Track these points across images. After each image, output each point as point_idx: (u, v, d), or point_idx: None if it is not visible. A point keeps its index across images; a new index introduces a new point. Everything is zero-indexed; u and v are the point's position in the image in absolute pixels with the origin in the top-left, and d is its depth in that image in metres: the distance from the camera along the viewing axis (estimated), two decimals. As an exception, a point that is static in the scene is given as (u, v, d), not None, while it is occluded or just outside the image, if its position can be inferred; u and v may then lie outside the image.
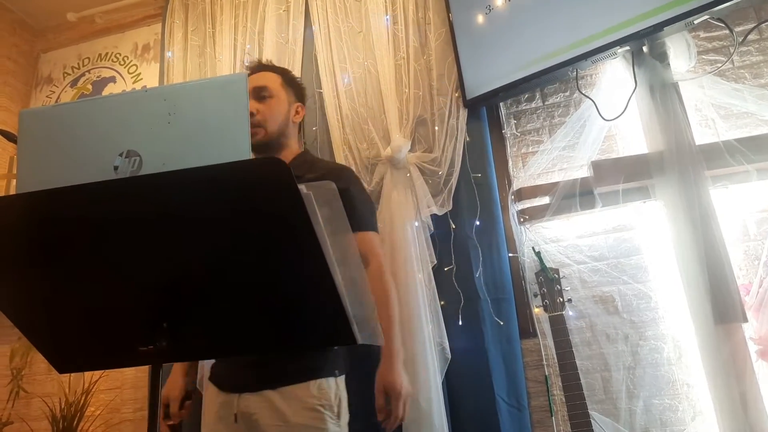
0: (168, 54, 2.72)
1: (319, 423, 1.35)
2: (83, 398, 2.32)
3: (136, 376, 2.43)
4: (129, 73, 2.92)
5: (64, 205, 0.78)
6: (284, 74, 1.67)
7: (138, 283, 0.85)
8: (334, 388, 1.41)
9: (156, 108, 0.87)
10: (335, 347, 1.45)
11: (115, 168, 0.85)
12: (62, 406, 2.30)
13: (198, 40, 2.69)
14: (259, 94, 1.59)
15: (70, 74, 3.03)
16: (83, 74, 3.00)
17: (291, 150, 1.64)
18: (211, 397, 1.47)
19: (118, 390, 2.44)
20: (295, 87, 1.68)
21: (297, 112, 1.66)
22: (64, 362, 0.99)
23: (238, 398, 1.39)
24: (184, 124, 0.85)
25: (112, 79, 2.93)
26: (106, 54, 3.00)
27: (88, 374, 2.39)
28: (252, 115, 1.52)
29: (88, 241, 0.81)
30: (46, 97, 3.02)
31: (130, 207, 0.77)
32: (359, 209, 1.53)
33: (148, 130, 0.85)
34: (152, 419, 0.92)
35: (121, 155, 0.85)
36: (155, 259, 0.82)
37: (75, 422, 2.27)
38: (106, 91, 2.91)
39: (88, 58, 3.03)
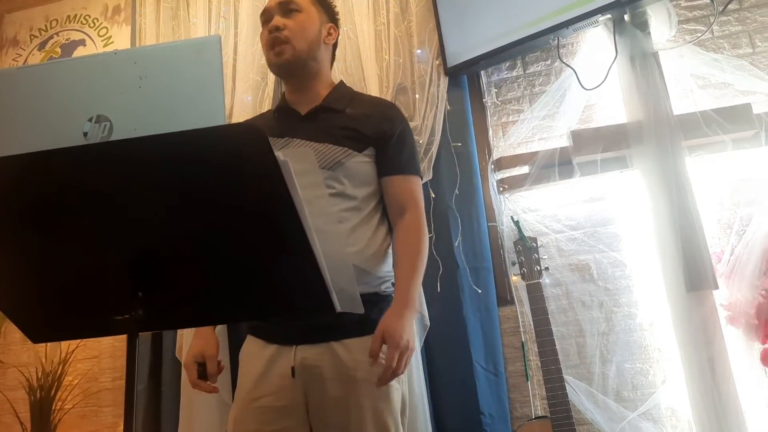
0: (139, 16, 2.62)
1: None
2: (60, 368, 2.30)
3: (114, 345, 2.41)
4: (99, 36, 2.81)
5: (32, 171, 0.75)
6: None
7: (112, 252, 0.83)
8: None
9: (126, 71, 0.84)
10: (392, 297, 1.36)
11: (85, 134, 0.82)
12: (39, 376, 2.28)
13: (171, 2, 2.59)
14: (286, 7, 1.41)
15: (37, 36, 2.91)
16: (51, 37, 2.88)
17: (324, 79, 1.48)
18: (254, 351, 1.34)
19: (96, 359, 2.42)
20: (326, 6, 1.51)
21: (330, 33, 1.48)
22: (37, 332, 0.97)
23: (295, 350, 1.28)
24: (156, 88, 0.82)
25: (82, 42, 2.82)
26: (75, 16, 2.88)
27: (65, 344, 2.37)
28: (278, 29, 1.37)
29: (58, 209, 0.79)
30: (13, 60, 2.90)
31: (101, 174, 0.74)
32: (406, 152, 1.42)
33: (119, 95, 0.82)
34: (130, 388, 0.92)
35: (90, 120, 0.83)
36: (128, 227, 0.80)
37: (52, 392, 2.26)
38: (75, 55, 2.80)
39: (56, 19, 2.91)
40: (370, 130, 1.39)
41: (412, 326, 1.29)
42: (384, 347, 1.23)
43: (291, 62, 1.40)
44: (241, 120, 2.17)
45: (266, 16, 1.45)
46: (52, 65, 0.89)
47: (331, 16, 1.52)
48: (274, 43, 1.39)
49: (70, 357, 2.33)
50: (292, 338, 1.29)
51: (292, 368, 1.27)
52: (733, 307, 1.83)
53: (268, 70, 2.31)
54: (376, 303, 1.33)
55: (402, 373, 1.24)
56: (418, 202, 1.42)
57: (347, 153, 1.35)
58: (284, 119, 1.46)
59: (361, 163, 1.38)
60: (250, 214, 0.77)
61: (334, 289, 0.86)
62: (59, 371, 2.29)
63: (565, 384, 1.75)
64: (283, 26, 1.39)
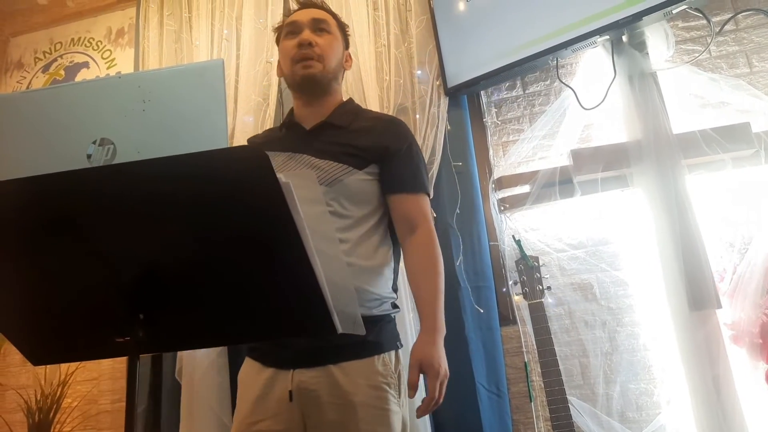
0: (143, 39, 2.66)
1: (382, 403, 1.25)
2: (59, 390, 2.28)
3: (114, 367, 2.40)
4: (103, 58, 2.85)
5: (36, 195, 0.75)
6: (337, 18, 1.54)
7: (113, 274, 0.83)
8: (395, 362, 1.33)
9: (130, 95, 0.85)
10: (391, 318, 1.38)
11: (89, 156, 0.83)
12: (38, 398, 2.26)
13: (174, 25, 2.63)
14: (319, 25, 1.44)
15: (41, 59, 2.94)
16: (55, 59, 2.92)
17: (337, 99, 1.50)
18: (251, 374, 1.32)
19: (96, 381, 2.41)
20: (344, 34, 1.54)
21: (347, 60, 1.53)
22: (38, 355, 0.97)
23: (292, 374, 1.26)
24: (160, 111, 0.83)
25: (86, 65, 2.86)
26: (79, 39, 2.92)
27: (64, 366, 2.36)
28: (310, 45, 1.40)
29: (61, 232, 0.79)
30: (17, 82, 2.93)
31: (104, 197, 0.75)
32: (413, 169, 1.41)
33: (122, 118, 0.83)
34: (130, 410, 0.91)
35: (94, 143, 0.83)
36: (130, 249, 0.80)
37: (51, 414, 2.24)
38: (79, 77, 2.83)
39: (60, 42, 2.95)
40: (371, 146, 1.38)
41: (443, 351, 1.29)
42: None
43: (318, 78, 1.42)
44: (243, 140, 2.18)
45: (294, 28, 1.45)
46: (57, 89, 0.90)
47: (347, 44, 1.56)
48: (306, 56, 1.40)
49: (69, 379, 2.32)
50: (288, 362, 1.28)
51: (290, 392, 1.25)
52: (736, 326, 1.82)
53: (270, 91, 2.37)
54: (374, 324, 1.31)
55: (441, 400, 1.26)
56: (428, 219, 1.41)
57: (347, 170, 1.34)
58: (289, 134, 1.46)
59: (362, 180, 1.36)
60: (252, 236, 0.78)
61: (335, 311, 0.85)
62: (58, 393, 2.28)
63: (569, 405, 1.73)
64: (315, 43, 1.41)
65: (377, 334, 1.31)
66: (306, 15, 1.46)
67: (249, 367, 1.35)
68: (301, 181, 1.31)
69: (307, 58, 1.40)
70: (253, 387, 1.30)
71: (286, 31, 1.47)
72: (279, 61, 1.53)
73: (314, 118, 1.44)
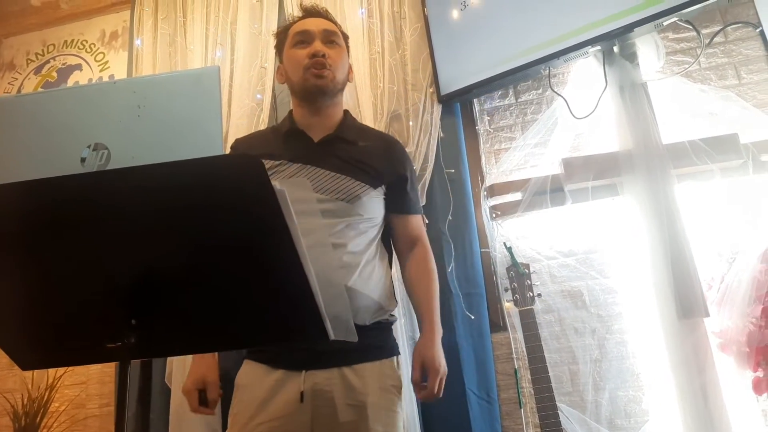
0: (137, 42, 2.65)
1: (392, 405, 1.32)
2: (47, 394, 2.26)
3: (102, 371, 2.38)
4: (96, 61, 2.84)
5: (28, 199, 0.75)
6: (342, 30, 1.57)
7: (105, 279, 0.83)
8: (397, 366, 1.40)
9: (125, 100, 0.85)
10: (392, 326, 1.44)
11: (83, 161, 0.83)
12: (24, 403, 2.24)
13: (168, 29, 2.63)
14: (330, 38, 1.48)
15: (34, 61, 2.93)
16: (48, 61, 2.91)
17: (339, 108, 1.54)
18: (257, 376, 1.32)
19: (84, 385, 2.39)
20: (348, 46, 1.58)
21: (350, 71, 1.57)
22: (27, 359, 0.96)
23: (304, 375, 1.28)
24: (155, 117, 0.83)
25: (78, 67, 2.85)
26: (72, 41, 2.91)
27: (52, 369, 2.33)
28: (323, 56, 1.44)
29: (53, 237, 0.79)
30: (8, 84, 2.92)
31: (98, 202, 0.75)
32: (413, 192, 1.54)
33: (117, 123, 0.83)
34: (120, 416, 0.91)
35: (88, 148, 0.83)
36: (123, 254, 0.80)
37: (38, 419, 2.21)
38: (71, 79, 2.82)
39: (53, 44, 2.94)
40: (384, 169, 1.45)
41: (441, 350, 1.39)
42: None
43: (329, 88, 1.45)
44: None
45: (305, 37, 1.47)
46: (51, 93, 0.90)
47: (348, 56, 1.59)
48: (319, 66, 1.43)
49: (57, 383, 2.30)
50: (300, 363, 1.29)
51: (301, 393, 1.26)
52: (724, 335, 1.83)
53: (264, 96, 2.37)
54: (383, 330, 1.39)
55: (441, 395, 1.34)
56: (425, 235, 1.55)
57: (365, 188, 1.39)
58: (294, 143, 1.45)
59: (375, 198, 1.42)
60: (246, 243, 0.78)
61: (328, 317, 0.86)
62: (46, 397, 2.25)
63: (559, 412, 1.74)
64: (328, 55, 1.45)
65: (385, 339, 1.39)
66: (317, 25, 1.49)
67: (252, 370, 1.35)
68: (295, 188, 1.32)
69: (321, 67, 1.43)
70: (257, 389, 1.30)
71: (296, 39, 1.48)
72: (281, 68, 1.54)
73: (321, 130, 1.46)
